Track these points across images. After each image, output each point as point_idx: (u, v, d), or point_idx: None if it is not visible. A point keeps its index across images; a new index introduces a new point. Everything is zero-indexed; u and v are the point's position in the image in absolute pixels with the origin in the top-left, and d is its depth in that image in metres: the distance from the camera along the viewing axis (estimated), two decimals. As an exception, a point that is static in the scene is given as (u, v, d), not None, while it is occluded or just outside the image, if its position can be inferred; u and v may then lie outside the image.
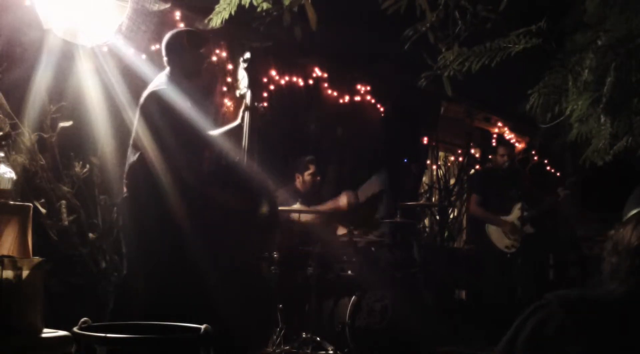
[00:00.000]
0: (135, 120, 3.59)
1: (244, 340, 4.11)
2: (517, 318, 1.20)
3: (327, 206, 5.14)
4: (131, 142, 3.57)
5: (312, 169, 5.37)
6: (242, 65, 3.84)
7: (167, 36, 3.70)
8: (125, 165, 3.60)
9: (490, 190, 5.93)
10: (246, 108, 3.73)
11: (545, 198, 6.00)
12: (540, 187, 6.62)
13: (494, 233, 5.82)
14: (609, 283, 1.19)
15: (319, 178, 5.45)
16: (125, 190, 3.57)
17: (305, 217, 5.04)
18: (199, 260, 3.38)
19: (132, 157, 3.51)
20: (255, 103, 3.78)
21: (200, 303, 3.36)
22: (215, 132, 3.78)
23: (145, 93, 3.53)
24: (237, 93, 3.89)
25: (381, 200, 5.71)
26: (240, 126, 3.72)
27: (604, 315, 1.10)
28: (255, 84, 3.82)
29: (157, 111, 3.42)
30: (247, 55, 3.84)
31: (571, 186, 5.90)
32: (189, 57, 3.63)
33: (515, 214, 5.85)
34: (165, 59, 3.67)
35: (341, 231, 5.17)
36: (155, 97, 3.45)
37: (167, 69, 3.65)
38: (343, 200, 5.14)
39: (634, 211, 1.24)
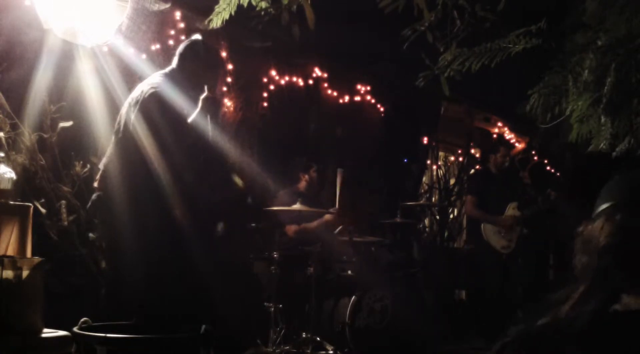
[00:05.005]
0: (127, 116, 3.43)
1: (239, 336, 4.13)
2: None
3: (314, 224, 5.15)
4: (121, 138, 3.43)
5: (314, 167, 5.38)
6: None
7: (188, 42, 3.61)
8: (106, 162, 3.49)
9: (488, 191, 5.92)
10: (205, 100, 3.48)
11: (538, 199, 6.00)
12: (538, 188, 6.62)
13: (490, 233, 5.82)
14: (573, 293, 1.14)
15: (320, 175, 5.46)
16: (97, 187, 3.50)
17: (305, 220, 5.04)
18: (197, 257, 3.37)
19: (123, 157, 3.43)
20: (215, 93, 3.56)
21: (198, 300, 3.36)
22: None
23: (145, 91, 3.43)
24: None
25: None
26: (200, 114, 3.49)
27: (567, 350, 1.06)
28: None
29: (158, 109, 3.35)
30: (196, 37, 3.61)
31: (559, 187, 5.91)
32: (201, 71, 3.56)
33: (509, 213, 5.85)
34: (177, 59, 3.58)
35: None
36: (158, 96, 3.39)
37: (170, 70, 3.57)
38: (327, 217, 5.14)
39: (603, 207, 1.19)
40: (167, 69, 3.58)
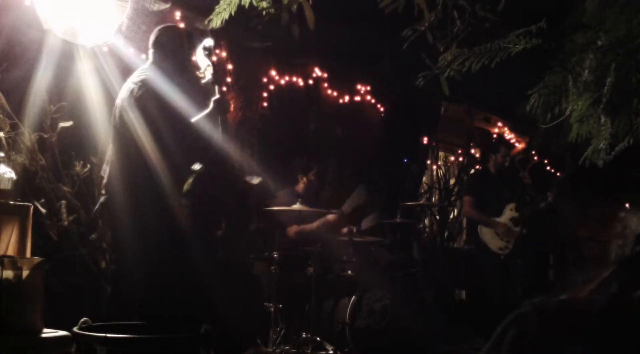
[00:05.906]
0: (121, 117, 3.46)
1: (239, 336, 4.13)
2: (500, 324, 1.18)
3: (316, 224, 5.13)
4: (119, 139, 3.46)
5: (314, 169, 5.38)
6: (204, 53, 3.63)
7: (159, 31, 3.65)
8: (107, 165, 3.50)
9: (487, 191, 5.92)
10: (217, 102, 3.52)
11: (538, 199, 6.00)
12: (538, 188, 6.61)
13: (487, 235, 5.80)
14: (599, 276, 1.13)
15: (319, 177, 5.46)
16: (104, 191, 3.51)
17: (304, 221, 5.04)
18: (196, 257, 3.37)
19: (122, 157, 3.43)
20: (222, 95, 3.59)
21: (198, 300, 3.36)
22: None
23: (136, 91, 3.43)
24: (201, 82, 3.68)
25: (364, 212, 5.64)
26: (210, 115, 3.54)
27: (581, 329, 1.05)
28: (220, 74, 3.68)
29: (155, 106, 3.35)
30: (209, 42, 3.65)
31: (559, 187, 5.90)
32: (183, 55, 3.60)
33: (507, 215, 5.85)
34: (154, 52, 3.61)
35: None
36: (152, 92, 3.39)
37: (155, 63, 3.58)
38: (330, 217, 5.12)
39: None
40: (147, 64, 3.59)
